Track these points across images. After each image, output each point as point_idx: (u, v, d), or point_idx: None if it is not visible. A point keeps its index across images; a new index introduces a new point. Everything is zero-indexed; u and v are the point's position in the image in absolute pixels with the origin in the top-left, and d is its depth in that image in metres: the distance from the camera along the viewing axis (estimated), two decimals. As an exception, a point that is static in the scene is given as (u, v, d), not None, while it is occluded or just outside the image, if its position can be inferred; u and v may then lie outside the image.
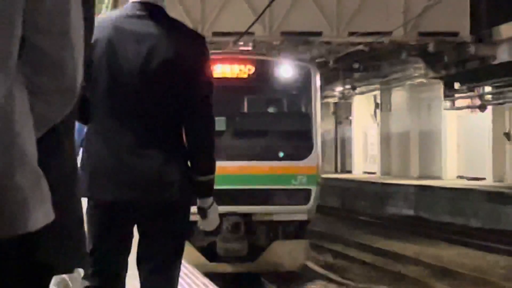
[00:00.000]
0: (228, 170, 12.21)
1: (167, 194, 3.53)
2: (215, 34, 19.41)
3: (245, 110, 14.26)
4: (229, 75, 13.00)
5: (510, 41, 20.77)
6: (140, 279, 3.66)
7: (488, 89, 23.85)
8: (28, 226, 1.38)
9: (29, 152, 1.41)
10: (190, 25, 18.65)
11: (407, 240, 18.68)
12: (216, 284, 7.50)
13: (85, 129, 3.65)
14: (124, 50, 3.52)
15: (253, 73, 13.14)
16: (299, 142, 13.20)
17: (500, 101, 23.73)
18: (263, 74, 13.35)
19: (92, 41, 2.00)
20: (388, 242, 18.35)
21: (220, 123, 12.41)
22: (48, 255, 1.51)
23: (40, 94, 1.47)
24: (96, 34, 3.01)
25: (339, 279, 13.62)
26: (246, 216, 12.59)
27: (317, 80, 13.45)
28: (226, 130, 13.03)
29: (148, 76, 3.51)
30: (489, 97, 24.06)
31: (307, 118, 13.30)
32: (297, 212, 12.79)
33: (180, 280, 6.28)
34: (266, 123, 13.78)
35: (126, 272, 3.71)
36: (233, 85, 13.03)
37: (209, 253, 12.58)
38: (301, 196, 12.66)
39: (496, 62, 21.25)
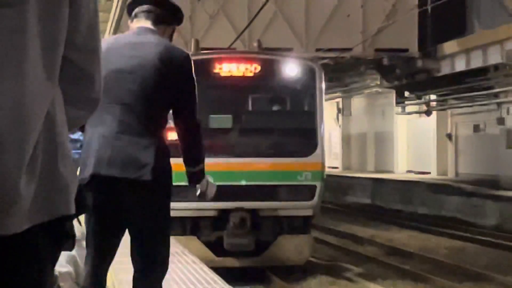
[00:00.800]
0: (235, 167, 11.75)
1: (140, 173, 3.55)
2: (202, 49, 18.46)
3: (251, 107, 13.20)
4: (235, 73, 12.07)
5: (451, 56, 21.41)
6: (132, 260, 3.64)
7: (433, 97, 24.29)
8: (70, 209, 1.49)
9: (67, 147, 1.51)
10: (181, 41, 19.58)
11: (365, 224, 18.91)
12: (223, 279, 7.05)
13: None
14: (119, 55, 3.66)
15: (259, 71, 12.13)
16: (304, 139, 12.25)
17: (443, 107, 24.36)
18: (268, 72, 12.36)
19: None
20: (348, 226, 18.48)
21: (226, 120, 12.13)
22: (71, 226, 1.54)
23: (73, 102, 1.56)
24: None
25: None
26: (252, 211, 11.75)
27: (321, 78, 12.44)
28: (233, 128, 12.19)
29: (139, 77, 3.63)
30: (434, 104, 24.49)
31: (311, 115, 12.30)
32: (302, 208, 11.96)
33: (188, 274, 6.39)
34: (272, 120, 12.67)
35: (112, 256, 3.68)
36: (239, 83, 12.36)
37: (216, 248, 11.78)
38: (306, 192, 11.85)
39: (440, 74, 21.81)
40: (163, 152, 3.64)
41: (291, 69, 12.27)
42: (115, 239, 3.63)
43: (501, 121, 21.76)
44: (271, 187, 11.87)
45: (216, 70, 11.87)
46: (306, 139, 12.23)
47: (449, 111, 24.92)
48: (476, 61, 20.70)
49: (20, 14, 1.39)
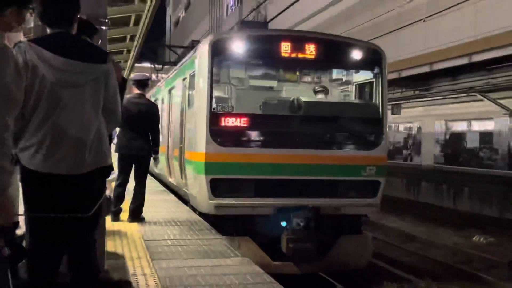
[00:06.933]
0: (294, 159, 9.71)
1: (143, 152, 9.45)
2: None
3: (313, 94, 10.98)
4: (295, 55, 9.92)
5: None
6: (134, 179, 9.62)
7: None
8: (107, 163, 4.14)
9: (106, 140, 4.14)
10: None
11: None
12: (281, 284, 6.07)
13: (117, 131, 9.75)
14: (131, 108, 9.36)
15: (322, 54, 10.04)
16: (369, 130, 10.28)
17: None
18: (332, 55, 10.26)
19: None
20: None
21: (285, 107, 10.25)
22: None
23: (108, 122, 4.19)
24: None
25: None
26: (314, 209, 9.79)
27: (386, 64, 10.53)
28: (291, 115, 10.06)
29: (140, 117, 9.42)
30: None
31: (377, 104, 10.44)
32: (366, 205, 10.07)
33: (248, 277, 6.05)
34: (335, 109, 10.37)
35: (128, 182, 9.63)
36: (300, 67, 10.98)
37: (273, 251, 9.67)
38: (370, 188, 10.07)
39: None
40: (149, 143, 9.57)
41: (356, 53, 10.33)
42: (130, 169, 9.71)
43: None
44: (334, 183, 9.96)
45: (274, 51, 9.81)
46: (372, 130, 10.32)
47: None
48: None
49: (84, 89, 4.00)
